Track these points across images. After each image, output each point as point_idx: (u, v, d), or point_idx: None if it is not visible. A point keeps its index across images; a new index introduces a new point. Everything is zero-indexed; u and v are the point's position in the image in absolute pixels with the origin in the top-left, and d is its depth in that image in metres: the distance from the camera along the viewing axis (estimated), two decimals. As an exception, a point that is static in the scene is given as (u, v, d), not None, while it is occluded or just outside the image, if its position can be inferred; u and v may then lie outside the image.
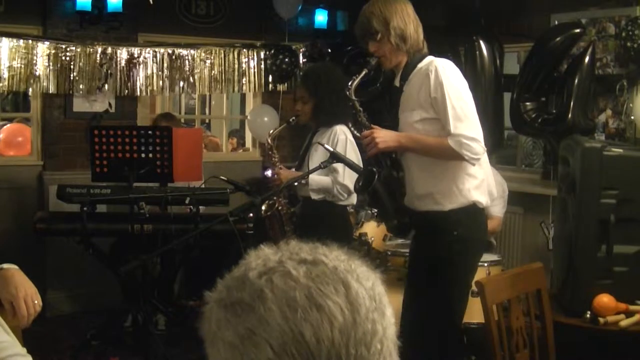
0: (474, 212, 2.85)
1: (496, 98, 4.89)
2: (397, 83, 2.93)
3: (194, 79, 5.56)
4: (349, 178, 3.62)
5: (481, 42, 4.83)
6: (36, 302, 1.95)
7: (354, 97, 2.92)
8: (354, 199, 3.80)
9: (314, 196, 3.70)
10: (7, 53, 4.87)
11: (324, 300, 0.81)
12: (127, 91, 5.30)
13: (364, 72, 2.90)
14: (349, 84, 2.92)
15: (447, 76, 2.73)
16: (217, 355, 0.84)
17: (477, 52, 4.84)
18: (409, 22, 2.83)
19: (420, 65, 2.84)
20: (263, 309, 0.81)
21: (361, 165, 3.36)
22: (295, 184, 3.57)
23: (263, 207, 3.76)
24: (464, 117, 2.71)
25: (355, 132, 3.09)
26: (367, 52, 2.93)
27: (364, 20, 2.85)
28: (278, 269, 0.84)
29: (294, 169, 3.95)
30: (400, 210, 2.96)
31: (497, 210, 4.47)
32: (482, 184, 2.86)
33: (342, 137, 3.69)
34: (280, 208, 3.80)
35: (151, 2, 4.92)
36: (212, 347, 0.86)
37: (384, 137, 2.80)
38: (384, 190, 2.92)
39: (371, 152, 2.84)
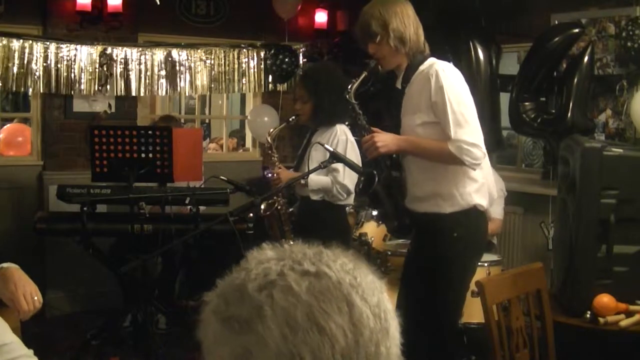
0: (475, 215, 2.85)
1: (492, 98, 4.89)
2: (398, 85, 2.92)
3: (194, 79, 5.56)
4: (348, 178, 3.61)
5: (477, 42, 4.83)
6: (36, 298, 1.97)
7: (353, 100, 2.92)
8: (352, 199, 3.80)
9: (313, 196, 3.68)
10: (7, 53, 4.87)
11: (325, 322, 0.77)
12: (127, 91, 5.31)
13: (363, 75, 2.88)
14: (349, 87, 2.91)
15: (448, 80, 2.71)
16: None
17: (473, 53, 4.83)
18: (408, 25, 2.80)
19: (422, 67, 2.83)
20: (262, 328, 0.77)
21: (361, 166, 3.35)
22: (294, 183, 3.57)
23: (262, 206, 3.74)
24: (465, 122, 2.69)
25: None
26: (366, 53, 2.92)
27: (363, 22, 2.82)
28: (279, 282, 0.79)
29: (292, 169, 3.95)
30: (401, 211, 2.96)
31: (498, 211, 4.43)
32: (482, 187, 2.85)
33: (343, 138, 3.68)
34: (279, 208, 3.79)
35: (158, 2, 4.92)
36: (208, 356, 0.83)
37: (384, 140, 2.79)
38: (384, 191, 2.92)
39: (371, 155, 2.83)
